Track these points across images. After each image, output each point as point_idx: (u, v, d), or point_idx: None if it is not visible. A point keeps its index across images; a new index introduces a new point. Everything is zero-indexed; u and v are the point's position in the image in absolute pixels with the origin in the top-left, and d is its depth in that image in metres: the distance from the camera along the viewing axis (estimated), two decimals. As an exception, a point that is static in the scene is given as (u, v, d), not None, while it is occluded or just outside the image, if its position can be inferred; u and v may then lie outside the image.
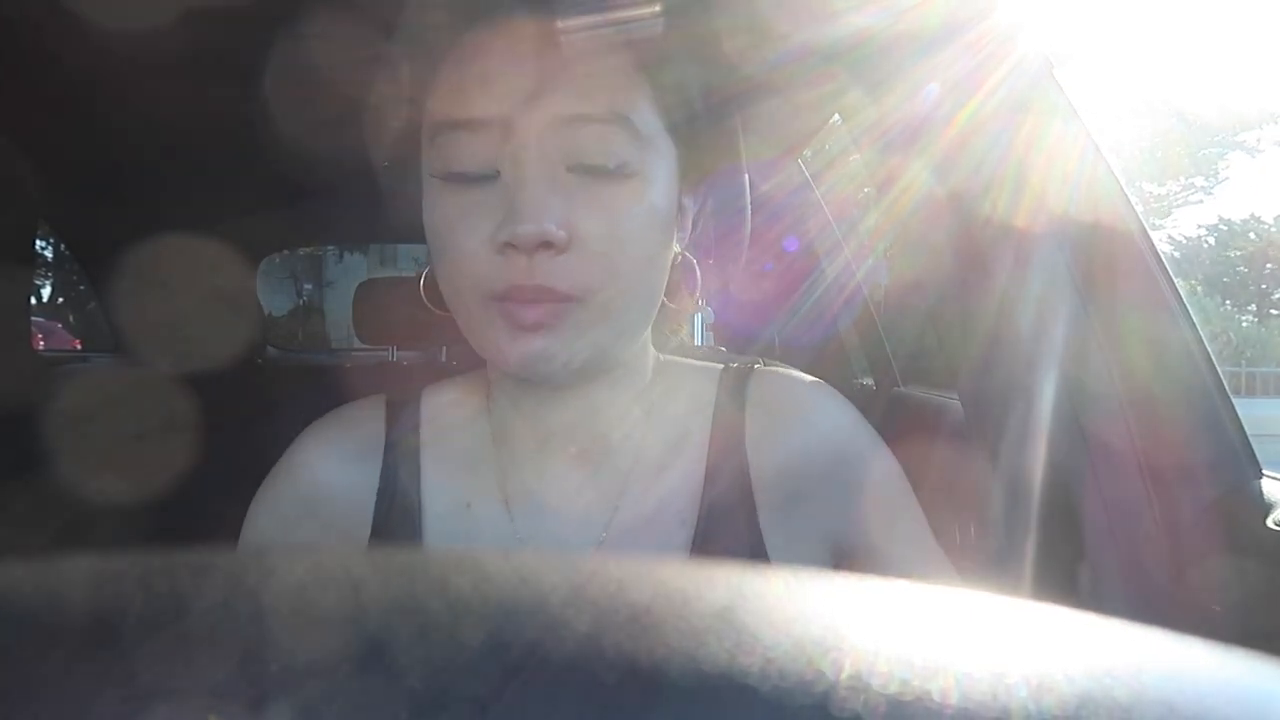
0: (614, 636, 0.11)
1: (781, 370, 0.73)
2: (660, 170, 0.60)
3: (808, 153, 1.74)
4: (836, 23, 0.71)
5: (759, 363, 0.73)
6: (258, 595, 0.12)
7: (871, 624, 0.12)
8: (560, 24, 0.56)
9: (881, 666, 0.11)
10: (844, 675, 0.11)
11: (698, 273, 0.67)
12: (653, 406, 0.68)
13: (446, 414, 0.70)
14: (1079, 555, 0.78)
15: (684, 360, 0.73)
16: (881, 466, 0.68)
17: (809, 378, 0.73)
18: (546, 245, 0.55)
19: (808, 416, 0.68)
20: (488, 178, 0.57)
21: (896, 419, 1.60)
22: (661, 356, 0.72)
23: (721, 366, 0.72)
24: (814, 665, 0.11)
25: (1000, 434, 0.91)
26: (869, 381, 1.90)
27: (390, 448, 0.68)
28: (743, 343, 2.01)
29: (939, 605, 0.13)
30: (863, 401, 1.78)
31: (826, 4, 0.70)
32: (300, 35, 0.86)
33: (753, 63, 0.65)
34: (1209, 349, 0.76)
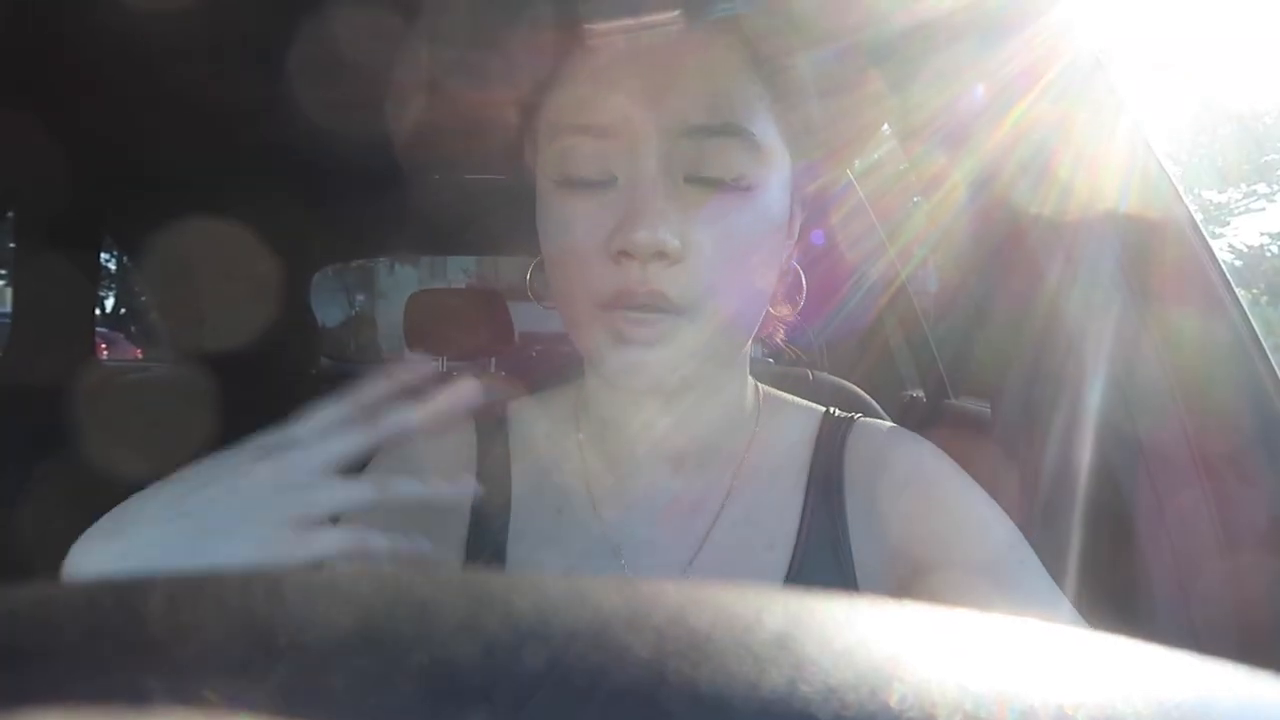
0: (675, 663, 0.11)
1: (884, 424, 0.72)
2: (776, 181, 0.60)
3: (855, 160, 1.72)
4: (888, 21, 0.71)
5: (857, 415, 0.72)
6: (329, 618, 0.12)
7: (933, 653, 0.12)
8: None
9: (944, 697, 0.11)
10: (906, 705, 0.11)
11: (804, 283, 0.67)
12: (755, 433, 0.68)
13: (534, 423, 0.70)
14: (1133, 569, 0.76)
15: (786, 395, 0.73)
16: (976, 512, 0.62)
17: (909, 433, 0.71)
18: (661, 255, 0.55)
19: (902, 469, 0.65)
20: (606, 183, 0.57)
21: (948, 434, 1.57)
22: (762, 387, 0.71)
23: (823, 410, 0.72)
24: (876, 695, 0.11)
25: (1048, 441, 0.89)
26: (919, 394, 1.86)
27: (483, 457, 0.68)
28: (784, 348, 1.98)
29: (1001, 634, 0.13)
30: (914, 416, 1.75)
31: (878, 1, 0.70)
32: (386, 43, 0.85)
33: (805, 63, 0.64)
34: (1269, 356, 0.74)
